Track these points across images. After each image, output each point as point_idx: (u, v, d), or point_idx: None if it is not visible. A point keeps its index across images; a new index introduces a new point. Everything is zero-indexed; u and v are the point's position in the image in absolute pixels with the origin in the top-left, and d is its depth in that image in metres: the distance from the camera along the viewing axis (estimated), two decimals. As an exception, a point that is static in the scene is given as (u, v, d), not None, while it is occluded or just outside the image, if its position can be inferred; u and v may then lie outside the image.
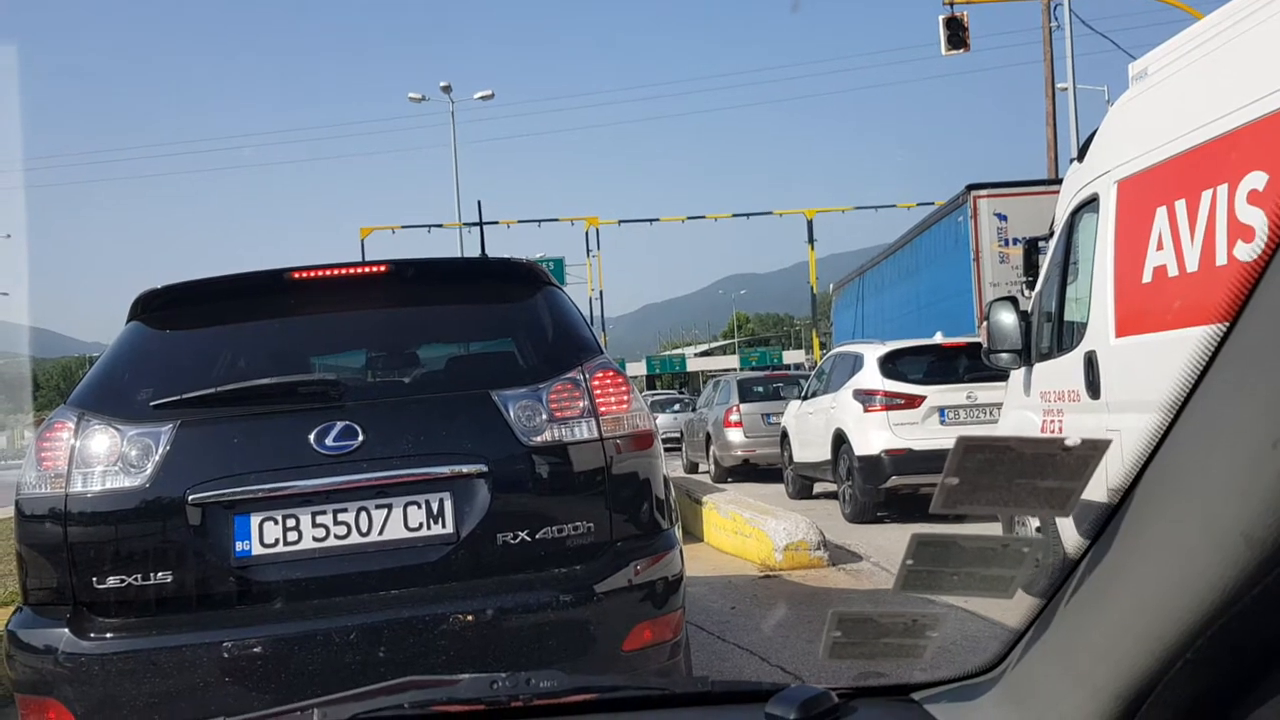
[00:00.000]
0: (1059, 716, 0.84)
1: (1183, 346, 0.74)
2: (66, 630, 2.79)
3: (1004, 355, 6.23)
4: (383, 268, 3.41)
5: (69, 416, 2.97)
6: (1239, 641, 0.71)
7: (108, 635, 2.80)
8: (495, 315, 3.59)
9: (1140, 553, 0.79)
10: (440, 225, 33.52)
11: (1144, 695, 0.76)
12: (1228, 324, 0.72)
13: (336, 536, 2.88)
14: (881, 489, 9.91)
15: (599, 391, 3.13)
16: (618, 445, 3.10)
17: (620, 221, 36.57)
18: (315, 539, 2.88)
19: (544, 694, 1.20)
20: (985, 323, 6.51)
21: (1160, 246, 4.53)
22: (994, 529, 5.11)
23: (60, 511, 2.85)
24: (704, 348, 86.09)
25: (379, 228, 31.61)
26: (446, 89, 33.28)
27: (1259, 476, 0.65)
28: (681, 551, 3.28)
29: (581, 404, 3.10)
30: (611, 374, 3.20)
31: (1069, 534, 4.85)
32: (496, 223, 35.03)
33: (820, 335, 36.49)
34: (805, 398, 12.43)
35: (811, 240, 33.19)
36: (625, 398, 3.17)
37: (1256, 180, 3.88)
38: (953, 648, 4.49)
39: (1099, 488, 0.91)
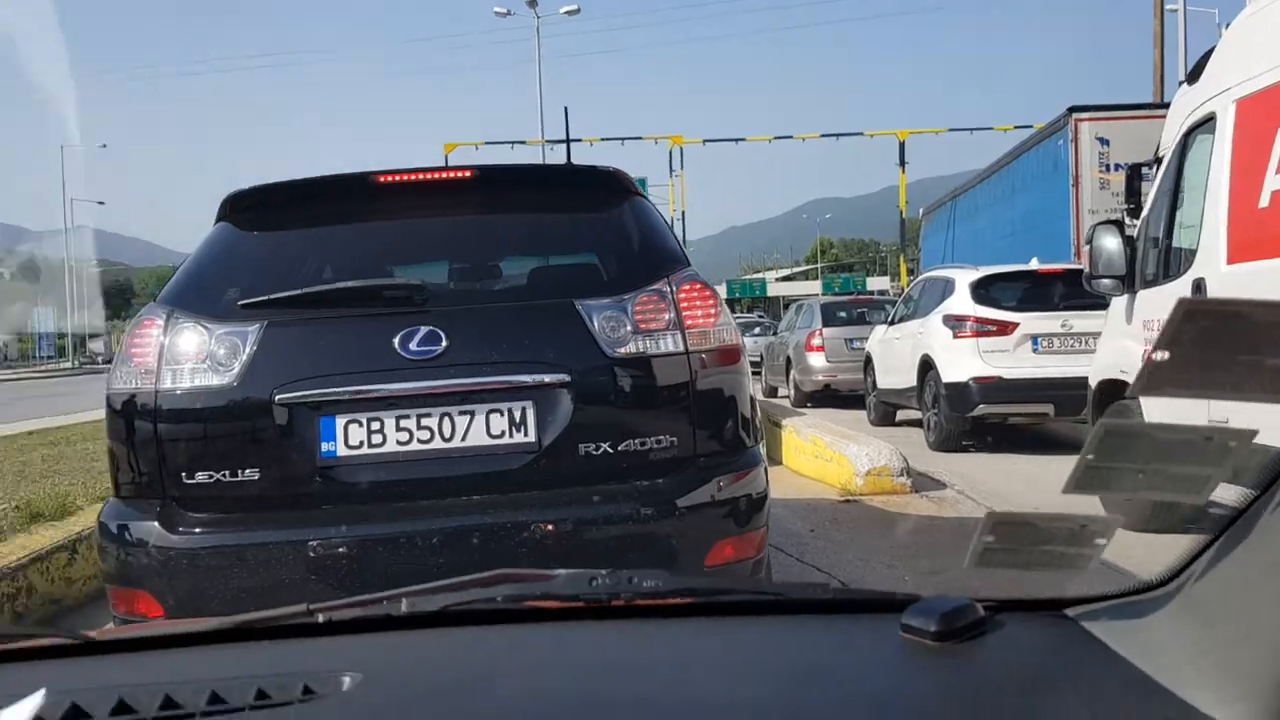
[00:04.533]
0: (1256, 637, 0.70)
1: None
2: (156, 524, 2.82)
3: (1106, 281, 5.99)
4: (468, 173, 3.34)
5: (158, 313, 2.98)
6: None
7: (196, 530, 2.83)
8: (581, 224, 3.50)
9: None
10: (524, 141, 33.44)
11: None
12: None
13: (420, 441, 2.86)
14: (968, 417, 9.68)
15: (685, 304, 3.04)
16: (703, 359, 3.01)
17: (705, 141, 36.06)
18: (399, 442, 2.86)
19: (646, 594, 1.11)
20: (1087, 247, 6.24)
21: (1283, 168, 4.25)
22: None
23: (150, 407, 2.87)
24: (786, 272, 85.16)
25: (463, 143, 31.66)
26: (532, 3, 32.90)
27: None
28: (766, 470, 3.20)
29: (667, 316, 3.01)
30: (699, 286, 3.10)
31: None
32: (581, 140, 34.81)
33: (908, 261, 35.73)
34: (892, 323, 12.19)
35: (903, 163, 32.34)
36: (712, 311, 3.07)
37: None
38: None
39: None
